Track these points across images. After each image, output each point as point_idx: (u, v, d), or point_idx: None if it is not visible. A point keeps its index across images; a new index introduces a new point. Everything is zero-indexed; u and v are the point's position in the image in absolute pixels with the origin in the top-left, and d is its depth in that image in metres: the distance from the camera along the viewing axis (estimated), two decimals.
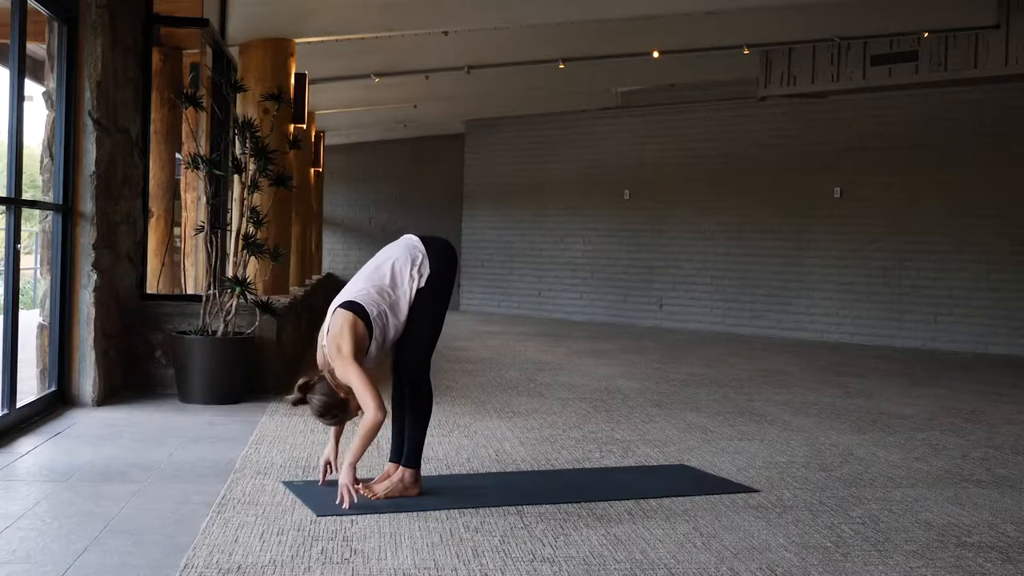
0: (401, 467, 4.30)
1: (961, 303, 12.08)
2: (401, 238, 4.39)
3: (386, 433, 5.57)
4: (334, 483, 4.36)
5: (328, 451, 4.43)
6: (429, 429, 5.73)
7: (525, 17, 9.13)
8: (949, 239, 12.18)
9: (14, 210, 5.51)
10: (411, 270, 4.22)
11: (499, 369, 8.86)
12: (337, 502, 4.04)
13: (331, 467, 4.42)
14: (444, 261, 4.29)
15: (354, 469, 4.12)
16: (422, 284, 4.22)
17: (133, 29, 6.94)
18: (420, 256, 4.25)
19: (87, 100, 6.14)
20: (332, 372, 4.18)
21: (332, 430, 4.42)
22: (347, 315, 4.14)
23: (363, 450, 4.10)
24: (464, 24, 9.49)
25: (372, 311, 4.15)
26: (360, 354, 4.11)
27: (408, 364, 4.30)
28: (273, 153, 6.98)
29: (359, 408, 4.14)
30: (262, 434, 5.53)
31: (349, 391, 4.14)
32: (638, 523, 3.98)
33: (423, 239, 4.32)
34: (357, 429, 4.14)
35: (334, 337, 4.13)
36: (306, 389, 4.20)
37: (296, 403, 4.24)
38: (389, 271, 4.24)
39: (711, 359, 10.20)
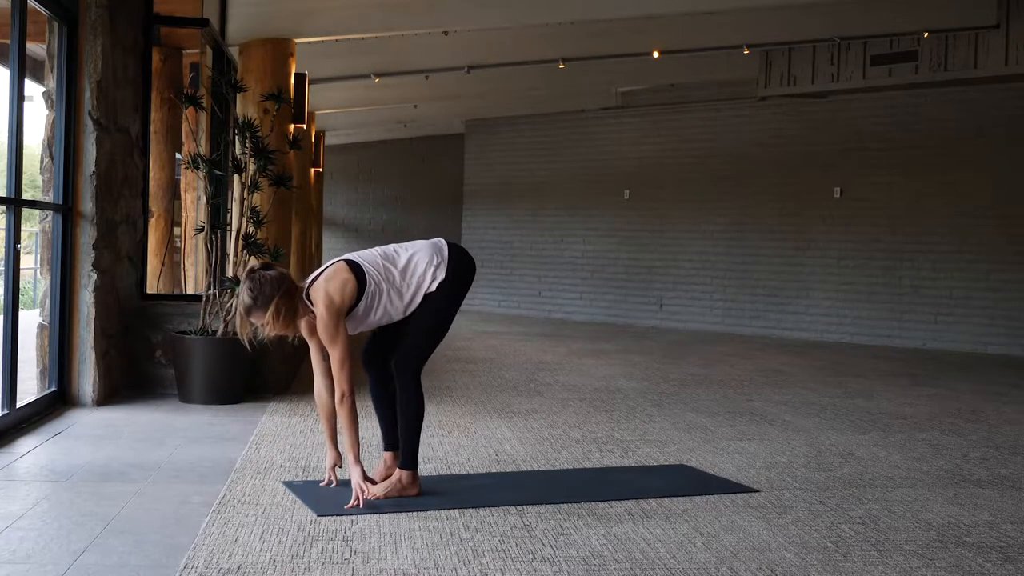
0: (397, 469, 4.30)
1: (961, 303, 12.08)
2: (431, 239, 4.35)
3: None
4: (345, 483, 4.36)
5: (331, 457, 4.39)
6: (429, 429, 5.76)
7: (525, 17, 9.13)
8: (949, 239, 12.18)
9: (14, 210, 5.51)
10: (426, 269, 4.19)
11: (499, 369, 8.86)
12: (351, 504, 4.04)
13: (338, 467, 4.41)
14: (462, 271, 4.26)
15: (360, 464, 4.12)
16: (433, 288, 4.19)
17: (133, 29, 6.94)
18: (440, 260, 4.22)
19: (87, 100, 6.14)
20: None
21: (326, 436, 4.40)
22: (347, 269, 4.13)
23: (357, 437, 4.12)
24: (464, 24, 9.49)
25: (370, 284, 4.13)
26: (343, 314, 4.08)
27: (402, 363, 4.25)
28: (273, 153, 6.98)
29: (294, 334, 4.20)
30: (262, 434, 5.53)
31: (296, 317, 4.11)
32: (638, 523, 3.98)
33: (449, 245, 4.30)
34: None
35: (327, 278, 4.11)
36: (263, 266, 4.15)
37: (251, 272, 4.12)
38: (406, 259, 4.21)
39: (711, 359, 10.20)
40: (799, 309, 13.29)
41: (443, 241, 4.33)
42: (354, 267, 4.14)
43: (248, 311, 4.09)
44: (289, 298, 4.10)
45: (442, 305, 4.21)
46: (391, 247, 4.29)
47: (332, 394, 4.27)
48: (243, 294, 4.10)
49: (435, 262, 4.21)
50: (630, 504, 4.26)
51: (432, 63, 11.59)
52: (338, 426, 4.32)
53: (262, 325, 4.11)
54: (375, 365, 4.41)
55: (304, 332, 4.25)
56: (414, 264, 4.20)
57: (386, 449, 4.48)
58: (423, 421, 4.33)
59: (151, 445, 5.17)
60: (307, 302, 4.14)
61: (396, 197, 18.96)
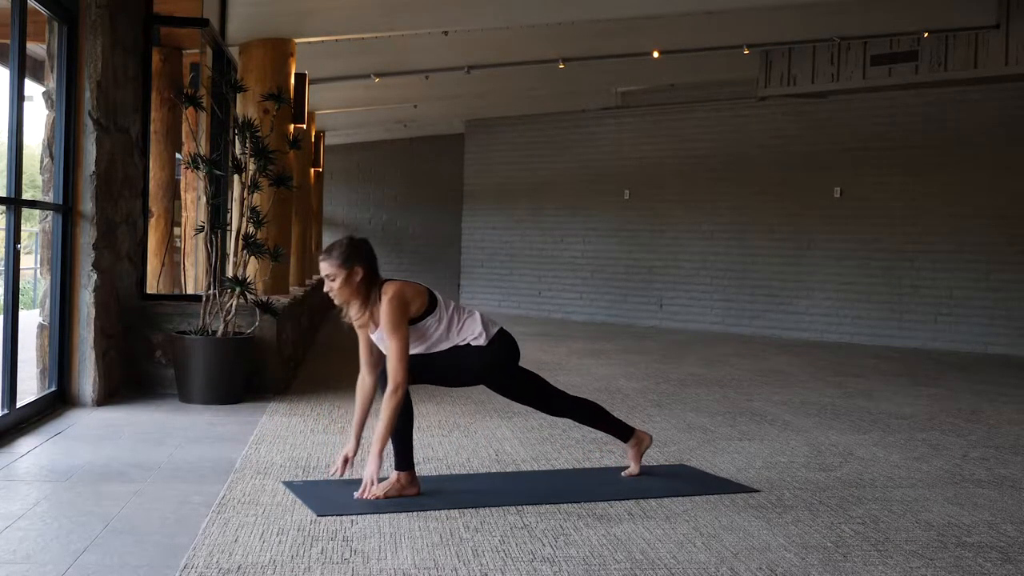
0: (394, 471, 4.30)
1: (961, 303, 12.08)
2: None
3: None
4: (344, 483, 4.36)
5: (350, 447, 4.43)
6: (430, 429, 5.77)
7: (525, 17, 9.13)
8: (949, 239, 12.18)
9: (14, 210, 5.50)
10: (475, 328, 4.33)
11: None
12: (360, 494, 4.07)
13: (349, 463, 4.43)
14: (502, 347, 4.38)
15: (381, 458, 4.15)
16: (471, 343, 4.31)
17: (133, 29, 6.94)
18: (488, 331, 4.36)
19: (87, 100, 6.14)
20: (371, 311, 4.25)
21: (354, 424, 4.44)
22: (426, 291, 4.30)
23: (388, 434, 4.15)
24: (464, 24, 9.49)
25: (436, 313, 4.26)
26: (407, 309, 4.18)
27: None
28: (273, 153, 6.98)
29: (346, 310, 4.27)
30: (262, 434, 5.53)
31: (364, 298, 4.23)
32: (638, 523, 3.98)
33: (501, 329, 4.43)
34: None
35: (406, 282, 4.27)
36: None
37: (355, 237, 4.34)
38: (467, 316, 4.36)
39: (711, 359, 10.20)
40: (799, 309, 13.29)
41: (498, 325, 4.47)
42: (430, 292, 4.33)
43: (327, 253, 4.23)
44: (369, 274, 4.22)
45: (464, 362, 4.32)
46: (463, 305, 4.50)
47: (373, 386, 4.40)
48: (335, 243, 4.25)
49: (483, 330, 4.34)
50: (630, 504, 4.26)
51: (432, 63, 11.59)
52: (358, 417, 4.43)
53: (328, 276, 4.20)
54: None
55: (358, 318, 4.30)
56: (469, 322, 4.35)
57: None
58: (411, 424, 4.32)
59: (151, 445, 5.17)
60: (378, 295, 4.23)
61: (396, 197, 18.95)
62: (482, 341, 4.33)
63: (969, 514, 4.28)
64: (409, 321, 4.20)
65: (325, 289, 4.27)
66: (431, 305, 4.28)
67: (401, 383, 4.11)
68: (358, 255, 4.21)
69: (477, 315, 4.40)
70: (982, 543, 3.85)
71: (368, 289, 4.23)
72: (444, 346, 4.32)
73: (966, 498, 4.57)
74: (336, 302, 4.28)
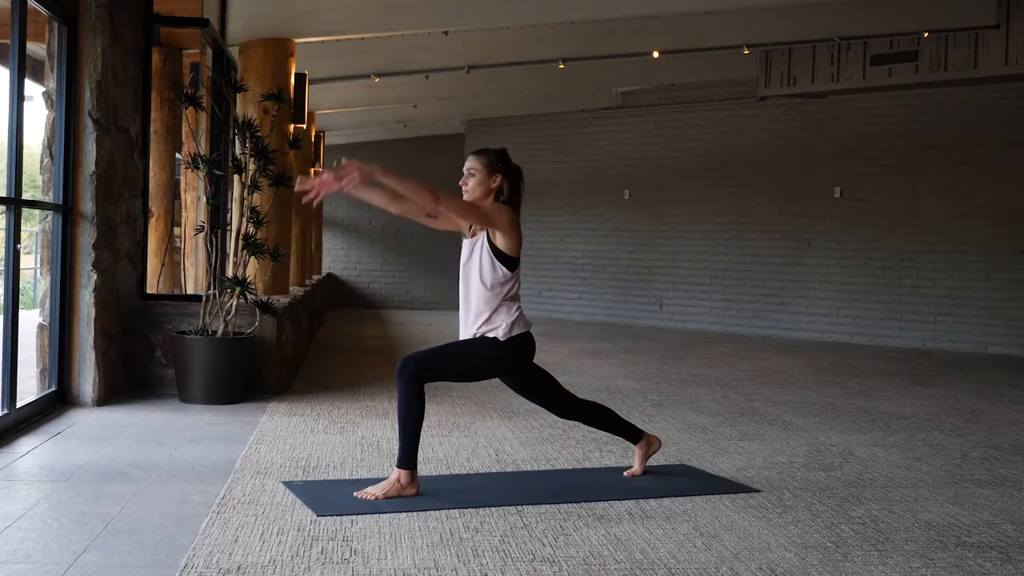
0: (395, 468, 4.30)
1: (961, 303, 12.08)
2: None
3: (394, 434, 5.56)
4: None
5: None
6: (429, 429, 5.77)
7: (525, 17, 9.13)
8: (949, 239, 12.18)
9: (14, 210, 5.51)
10: (506, 318, 4.38)
11: None
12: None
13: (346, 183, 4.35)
14: (518, 345, 4.48)
15: (374, 176, 4.25)
16: (490, 334, 4.36)
17: (133, 29, 6.94)
18: (516, 330, 4.44)
19: (87, 100, 6.14)
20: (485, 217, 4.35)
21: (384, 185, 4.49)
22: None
23: (397, 184, 4.31)
24: (464, 24, 9.49)
25: (517, 274, 4.43)
26: (502, 220, 4.31)
27: (406, 360, 4.30)
28: (273, 153, 6.98)
29: (474, 203, 4.39)
30: (262, 434, 5.53)
31: (483, 200, 4.40)
32: (638, 523, 3.98)
33: (526, 332, 4.53)
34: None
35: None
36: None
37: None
38: (510, 304, 4.42)
39: (711, 359, 10.20)
40: (799, 309, 13.29)
41: (528, 329, 4.55)
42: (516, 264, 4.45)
43: (480, 151, 4.50)
44: (505, 188, 4.40)
45: (475, 351, 4.35)
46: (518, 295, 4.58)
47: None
48: (490, 148, 4.54)
49: (508, 326, 4.39)
50: (630, 504, 4.26)
51: (432, 63, 11.60)
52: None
53: (469, 170, 4.45)
54: (418, 380, 4.30)
55: (469, 228, 4.46)
56: (504, 311, 4.40)
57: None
58: (421, 422, 4.31)
59: (151, 445, 5.17)
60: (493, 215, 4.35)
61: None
62: (499, 334, 4.37)
63: (969, 514, 4.28)
64: (506, 260, 4.31)
65: (460, 182, 4.49)
66: (517, 263, 4.39)
67: (438, 199, 4.27)
68: (504, 166, 4.43)
69: (516, 310, 4.45)
70: (982, 543, 3.85)
71: (496, 194, 4.42)
72: (476, 320, 4.37)
73: (966, 498, 4.57)
74: (465, 198, 4.44)
